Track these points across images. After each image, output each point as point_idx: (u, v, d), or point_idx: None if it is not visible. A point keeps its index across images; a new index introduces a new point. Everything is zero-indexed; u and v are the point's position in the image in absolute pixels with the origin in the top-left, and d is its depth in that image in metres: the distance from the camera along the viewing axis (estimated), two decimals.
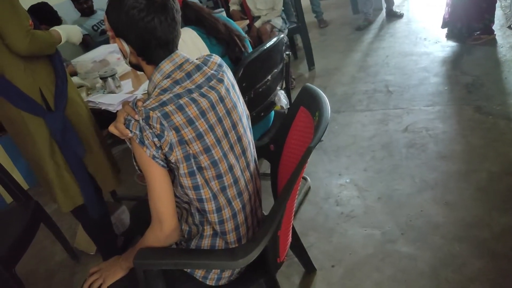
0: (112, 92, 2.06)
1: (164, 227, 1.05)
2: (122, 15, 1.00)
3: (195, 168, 1.05)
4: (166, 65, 1.06)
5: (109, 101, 1.91)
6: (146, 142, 0.99)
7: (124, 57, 1.10)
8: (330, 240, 1.86)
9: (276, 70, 1.86)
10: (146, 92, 1.82)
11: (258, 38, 3.47)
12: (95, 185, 1.77)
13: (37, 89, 1.55)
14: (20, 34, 1.44)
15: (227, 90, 1.11)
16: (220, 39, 1.71)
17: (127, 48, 1.06)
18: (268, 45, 1.72)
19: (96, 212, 1.80)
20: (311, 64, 3.81)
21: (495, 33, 3.36)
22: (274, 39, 1.77)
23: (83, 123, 1.70)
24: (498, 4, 3.64)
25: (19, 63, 1.50)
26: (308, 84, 1.28)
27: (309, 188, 2.23)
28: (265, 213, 1.34)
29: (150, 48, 1.04)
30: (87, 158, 1.71)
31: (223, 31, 1.73)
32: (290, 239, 1.30)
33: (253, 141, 1.22)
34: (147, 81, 1.12)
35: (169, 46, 1.06)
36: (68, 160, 1.65)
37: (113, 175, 1.82)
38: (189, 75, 1.06)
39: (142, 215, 1.36)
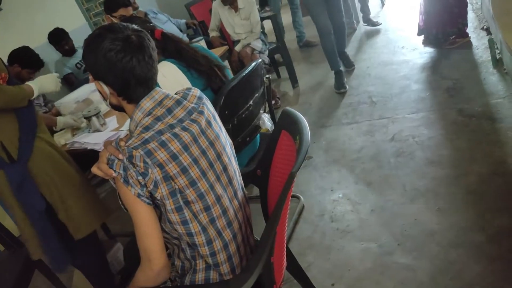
0: (97, 130, 2.07)
1: (153, 265, 1.04)
2: (100, 58, 1.01)
3: (181, 203, 1.05)
4: (147, 103, 1.07)
5: (94, 140, 1.92)
6: (131, 181, 1.00)
7: (104, 99, 1.11)
8: (328, 258, 1.85)
9: (257, 95, 1.88)
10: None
11: (240, 62, 3.51)
12: (66, 233, 1.69)
13: None
14: None
15: (208, 121, 1.12)
16: (201, 71, 1.73)
17: (106, 90, 1.07)
18: (246, 71, 1.75)
19: (59, 265, 1.72)
20: (294, 81, 3.85)
21: (469, 35, 3.44)
22: (252, 65, 1.80)
23: (50, 172, 1.64)
24: (469, 7, 3.73)
25: None
26: (288, 108, 1.29)
27: (303, 206, 2.23)
28: (258, 238, 1.33)
29: (130, 87, 1.06)
30: (58, 206, 1.66)
31: (203, 63, 1.75)
32: (285, 263, 1.29)
33: (238, 169, 1.23)
34: None
35: (148, 83, 1.08)
36: (27, 211, 1.62)
37: (91, 218, 1.74)
38: (169, 110, 1.07)
39: (136, 253, 1.35)
